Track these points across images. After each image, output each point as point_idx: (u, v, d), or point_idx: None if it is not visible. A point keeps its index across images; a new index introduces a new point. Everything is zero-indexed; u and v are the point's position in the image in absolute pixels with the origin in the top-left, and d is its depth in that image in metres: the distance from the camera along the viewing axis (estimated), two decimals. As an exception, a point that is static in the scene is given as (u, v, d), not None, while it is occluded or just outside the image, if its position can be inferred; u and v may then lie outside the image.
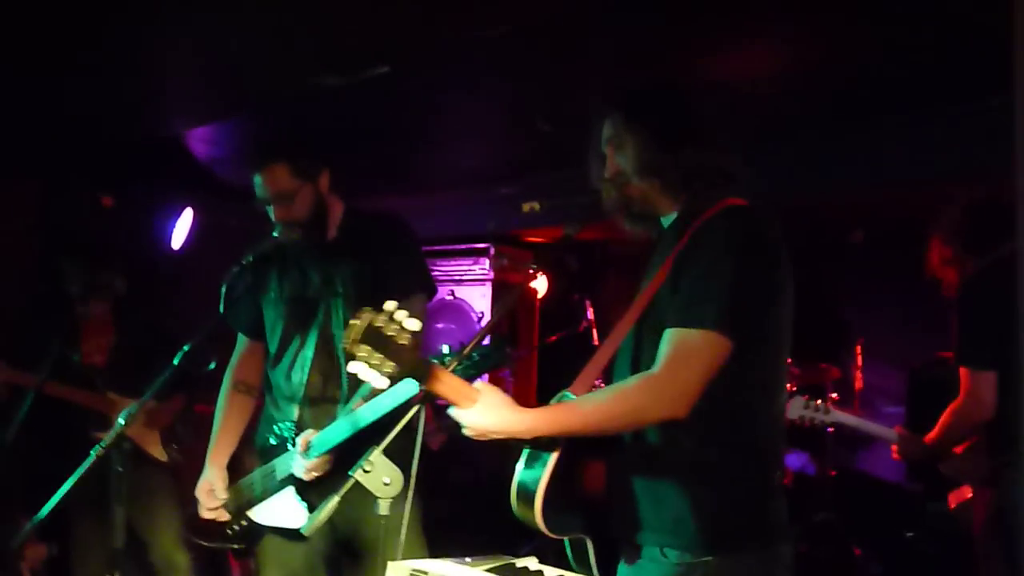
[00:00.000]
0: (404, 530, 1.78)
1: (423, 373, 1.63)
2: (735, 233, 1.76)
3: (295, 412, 2.65)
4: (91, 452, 2.52)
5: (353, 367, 1.57)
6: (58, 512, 2.58)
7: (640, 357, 1.81)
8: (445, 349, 2.01)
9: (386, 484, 1.76)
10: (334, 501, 1.80)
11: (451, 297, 5.55)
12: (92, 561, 3.55)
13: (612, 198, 1.93)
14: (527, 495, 1.73)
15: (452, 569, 1.53)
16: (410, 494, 1.81)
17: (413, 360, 1.59)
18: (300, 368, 2.67)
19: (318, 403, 2.64)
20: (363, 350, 1.53)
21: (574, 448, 1.74)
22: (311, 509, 2.51)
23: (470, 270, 5.50)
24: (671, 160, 1.84)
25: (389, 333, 1.54)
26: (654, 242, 2.00)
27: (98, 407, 3.50)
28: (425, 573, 1.48)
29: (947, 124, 3.69)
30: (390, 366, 1.55)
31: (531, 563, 1.70)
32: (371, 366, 1.55)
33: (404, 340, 1.56)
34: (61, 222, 4.29)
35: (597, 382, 1.89)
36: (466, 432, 1.72)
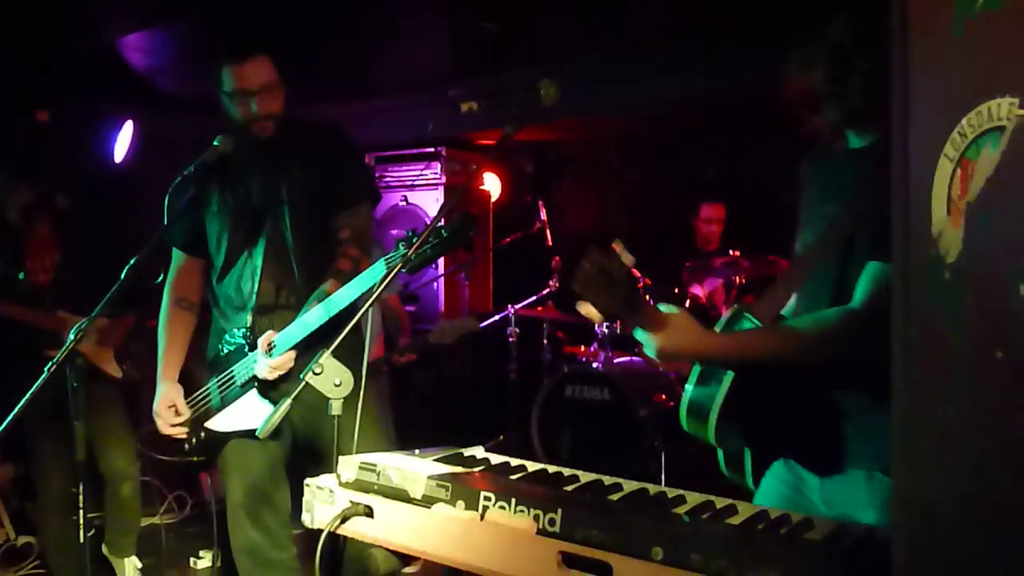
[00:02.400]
0: (357, 428, 1.84)
1: (636, 301, 1.61)
2: None
3: (247, 319, 2.66)
4: (44, 369, 2.53)
5: (583, 308, 1.61)
6: (18, 432, 2.61)
7: (841, 285, 1.74)
8: (408, 232, 2.07)
9: (337, 385, 1.81)
10: (286, 404, 1.84)
11: (404, 203, 5.53)
12: (55, 476, 3.60)
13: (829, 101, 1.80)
14: (701, 411, 1.71)
15: (399, 460, 1.60)
16: (361, 394, 1.86)
17: (627, 291, 1.59)
18: (250, 277, 2.68)
19: (271, 310, 2.66)
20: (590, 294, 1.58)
21: (754, 367, 1.71)
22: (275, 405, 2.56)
23: (422, 175, 5.46)
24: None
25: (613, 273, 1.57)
26: (835, 156, 1.90)
27: (49, 325, 3.47)
28: (374, 465, 1.54)
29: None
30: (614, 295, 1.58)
31: (478, 452, 1.78)
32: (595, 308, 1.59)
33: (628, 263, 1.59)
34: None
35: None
36: (652, 355, 1.68)
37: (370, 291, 2.22)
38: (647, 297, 1.74)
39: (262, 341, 2.52)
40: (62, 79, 4.30)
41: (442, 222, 2.06)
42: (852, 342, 1.64)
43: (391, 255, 2.20)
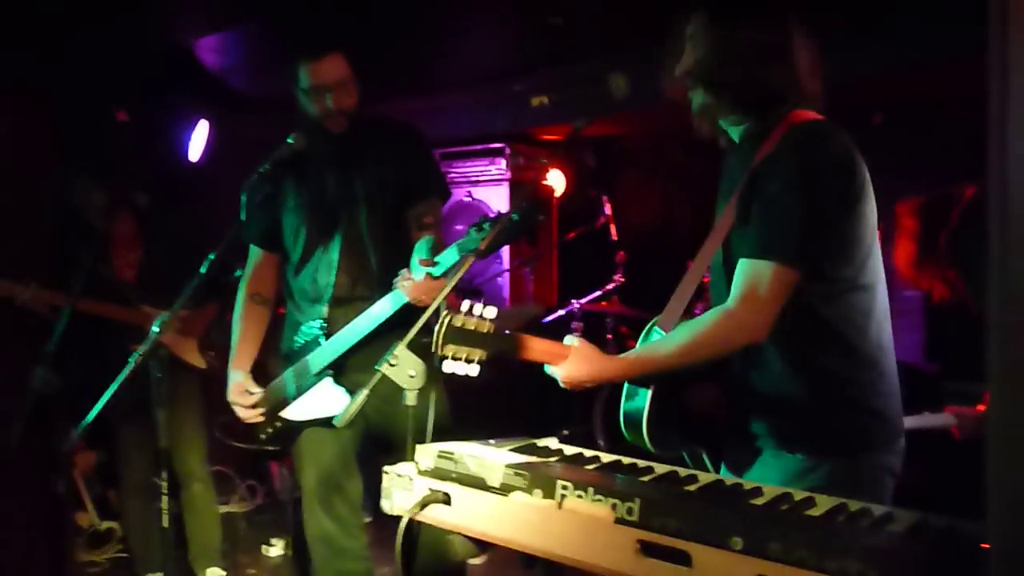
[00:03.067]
0: (431, 418, 1.87)
1: (511, 348, 1.79)
2: (802, 161, 1.75)
3: (324, 311, 2.73)
4: (129, 361, 2.63)
5: (447, 367, 1.75)
6: (103, 420, 2.71)
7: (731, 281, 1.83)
8: (480, 219, 2.14)
9: (411, 376, 1.84)
10: (364, 393, 1.89)
11: (468, 198, 5.56)
12: (137, 464, 3.73)
13: (686, 94, 1.91)
14: (634, 423, 1.85)
15: (477, 449, 1.62)
16: (435, 384, 1.90)
17: (498, 342, 1.75)
18: (327, 270, 2.74)
19: (347, 302, 2.72)
20: (450, 349, 1.72)
21: (671, 375, 1.84)
22: (351, 394, 2.60)
23: (486, 171, 5.49)
24: (736, 70, 1.81)
25: (469, 327, 1.72)
26: (730, 152, 1.99)
27: (133, 321, 3.59)
28: (452, 453, 1.56)
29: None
30: (477, 353, 1.73)
31: (552, 443, 1.79)
32: (464, 360, 1.73)
33: (485, 328, 1.74)
34: (75, 138, 4.30)
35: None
36: (562, 385, 1.87)
37: (445, 277, 2.26)
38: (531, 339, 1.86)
39: (417, 260, 2.39)
40: (140, 79, 4.44)
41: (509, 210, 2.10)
42: (731, 340, 1.76)
43: (463, 240, 2.23)
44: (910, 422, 3.20)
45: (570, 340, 1.86)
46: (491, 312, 1.75)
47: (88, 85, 4.35)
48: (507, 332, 1.78)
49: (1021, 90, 0.70)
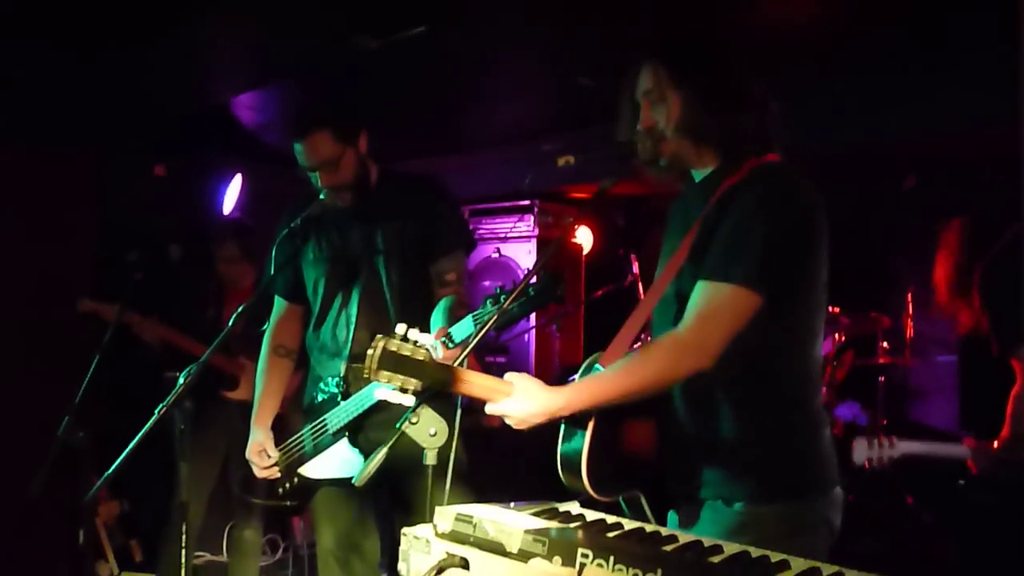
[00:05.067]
0: (450, 478, 1.84)
1: (447, 380, 1.69)
2: (768, 192, 1.77)
3: (342, 367, 2.72)
4: (154, 412, 2.63)
5: (380, 393, 1.68)
6: (127, 471, 2.71)
7: (681, 314, 1.82)
8: (496, 290, 2.09)
9: (432, 435, 1.82)
10: (383, 452, 1.86)
11: (497, 255, 5.59)
12: (194, 509, 3.72)
13: (645, 150, 1.92)
14: (572, 466, 1.79)
15: (496, 512, 1.59)
16: (454, 444, 1.87)
17: (434, 372, 1.66)
18: (345, 325, 2.74)
19: (365, 358, 2.71)
20: (384, 375, 1.63)
21: (609, 414, 1.79)
22: (365, 456, 2.59)
23: (515, 227, 5.52)
24: (713, 121, 1.83)
25: (404, 352, 1.64)
26: (679, 195, 2.02)
27: (230, 370, 3.81)
28: (470, 517, 1.53)
29: (1000, 67, 3.58)
30: (413, 383, 1.64)
31: (573, 507, 1.75)
32: (397, 387, 1.64)
33: (420, 355, 1.65)
34: (115, 191, 4.41)
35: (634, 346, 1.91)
36: (509, 423, 1.77)
37: (464, 344, 2.23)
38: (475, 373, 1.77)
39: (436, 333, 2.42)
40: (178, 135, 4.55)
41: (532, 279, 2.07)
42: (678, 364, 1.71)
43: (479, 312, 2.21)
44: (927, 448, 3.18)
45: (511, 376, 1.76)
46: (426, 339, 1.65)
47: (130, 139, 4.47)
48: (443, 363, 1.70)
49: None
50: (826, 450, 1.83)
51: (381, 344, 1.64)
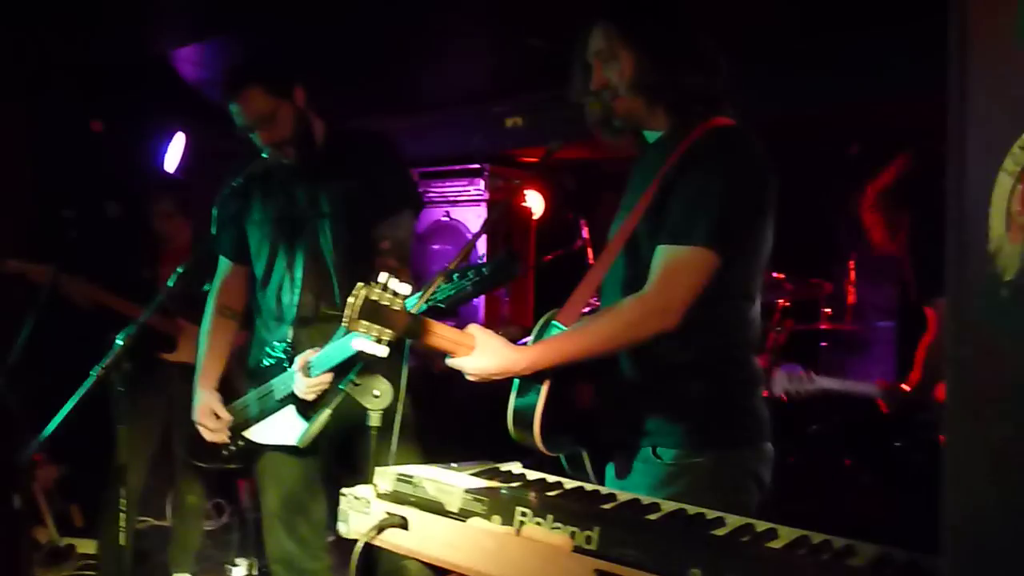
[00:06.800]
0: (395, 440, 1.84)
1: (418, 331, 1.68)
2: (725, 153, 1.80)
3: (288, 332, 2.68)
4: (91, 374, 2.57)
5: (357, 343, 1.65)
6: (64, 434, 2.65)
7: (634, 276, 1.84)
8: (450, 272, 2.02)
9: (376, 396, 1.82)
10: (325, 414, 1.86)
11: (447, 218, 5.55)
12: (132, 474, 3.65)
13: (596, 111, 1.92)
14: (524, 420, 1.79)
15: (436, 472, 1.59)
16: (399, 406, 1.86)
17: (407, 322, 1.65)
18: (290, 289, 2.69)
19: (311, 322, 2.67)
20: (363, 325, 1.61)
21: (564, 370, 1.79)
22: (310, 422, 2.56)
23: (465, 191, 5.48)
24: (666, 80, 1.84)
25: (384, 303, 1.62)
26: (636, 158, 2.01)
27: (167, 330, 3.69)
28: (411, 477, 1.53)
29: (943, 34, 3.63)
30: (388, 333, 1.63)
31: (514, 467, 1.76)
32: (372, 337, 1.62)
33: (397, 306, 1.64)
34: (50, 147, 4.26)
35: (587, 307, 1.92)
36: (469, 378, 1.76)
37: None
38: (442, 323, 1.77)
39: (299, 360, 2.49)
40: (115, 89, 4.41)
41: (487, 260, 2.02)
42: (644, 326, 1.74)
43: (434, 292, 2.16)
44: (841, 385, 3.32)
45: (472, 328, 1.76)
46: (405, 289, 1.64)
47: (66, 93, 4.32)
48: (417, 314, 1.70)
49: (979, 129, 0.70)
50: (759, 405, 1.89)
51: (363, 293, 1.61)
